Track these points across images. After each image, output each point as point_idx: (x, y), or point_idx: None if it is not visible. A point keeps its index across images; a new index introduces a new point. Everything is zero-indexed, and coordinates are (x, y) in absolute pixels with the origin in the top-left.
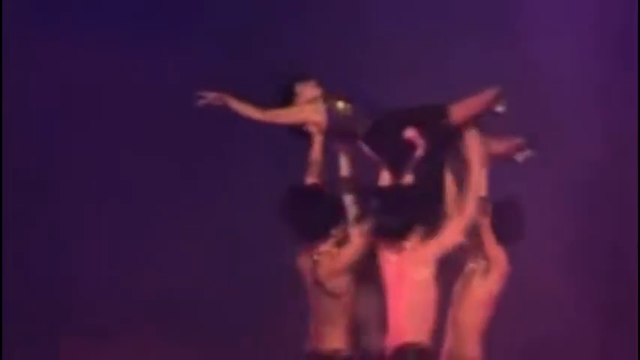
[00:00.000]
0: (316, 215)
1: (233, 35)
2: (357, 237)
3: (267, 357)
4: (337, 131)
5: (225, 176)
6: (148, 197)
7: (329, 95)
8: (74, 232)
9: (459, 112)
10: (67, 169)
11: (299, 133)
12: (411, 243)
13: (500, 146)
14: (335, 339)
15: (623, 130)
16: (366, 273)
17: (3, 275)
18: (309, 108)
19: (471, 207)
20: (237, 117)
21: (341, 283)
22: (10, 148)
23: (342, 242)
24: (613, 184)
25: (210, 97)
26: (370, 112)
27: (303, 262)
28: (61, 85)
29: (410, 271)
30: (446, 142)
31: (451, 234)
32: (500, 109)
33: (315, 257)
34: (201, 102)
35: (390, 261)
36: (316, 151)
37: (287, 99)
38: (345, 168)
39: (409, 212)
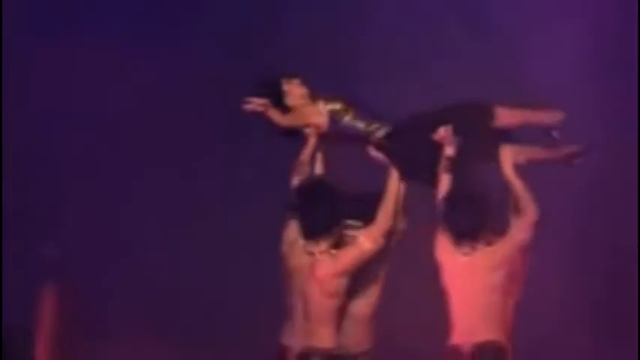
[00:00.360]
0: (318, 211)
1: (233, 35)
2: (365, 240)
3: (266, 356)
4: (338, 134)
5: (225, 176)
6: (148, 197)
7: (330, 97)
8: (74, 231)
9: (505, 117)
10: (67, 168)
11: (292, 133)
12: (480, 244)
13: (550, 154)
14: (325, 338)
15: (624, 129)
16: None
17: (3, 275)
18: (312, 110)
19: (531, 207)
20: (236, 116)
21: (340, 284)
22: (10, 148)
23: (340, 243)
24: (613, 184)
25: (257, 102)
26: (372, 115)
27: (298, 258)
28: (61, 85)
29: (485, 274)
30: (482, 144)
31: (519, 234)
32: (555, 134)
33: (318, 256)
34: (248, 107)
35: (459, 263)
36: (308, 152)
37: (277, 97)
38: (319, 167)
39: (482, 213)
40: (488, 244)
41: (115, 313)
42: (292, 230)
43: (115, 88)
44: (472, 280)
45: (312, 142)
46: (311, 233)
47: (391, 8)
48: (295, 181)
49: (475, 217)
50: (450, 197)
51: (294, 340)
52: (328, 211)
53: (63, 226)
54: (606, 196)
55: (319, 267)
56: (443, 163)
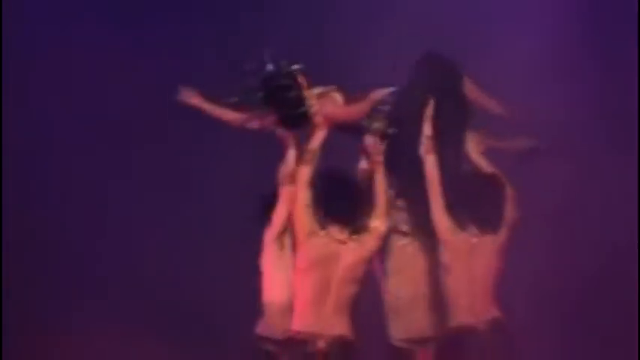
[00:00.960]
0: (344, 199)
1: (233, 35)
2: (381, 224)
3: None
4: (344, 124)
5: (225, 175)
6: (148, 196)
7: (336, 88)
8: (73, 231)
9: (471, 89)
10: (67, 168)
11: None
12: (489, 229)
13: (509, 145)
14: (343, 325)
15: (623, 127)
16: None
17: (3, 275)
18: (330, 100)
19: (507, 182)
20: None
21: (364, 270)
22: (10, 148)
23: (360, 229)
24: (613, 184)
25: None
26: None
27: (320, 248)
28: (61, 85)
29: (491, 256)
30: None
31: (511, 212)
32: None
33: (349, 243)
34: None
35: (468, 244)
36: (317, 141)
37: (295, 89)
38: (291, 161)
39: (496, 198)
40: (494, 230)
41: (113, 312)
42: (307, 221)
43: (115, 88)
44: (480, 261)
45: (323, 131)
46: (337, 221)
47: (393, 12)
48: (305, 170)
49: (489, 202)
50: (464, 180)
51: (308, 328)
52: (353, 198)
53: (62, 226)
54: (606, 196)
55: (348, 254)
56: (425, 144)
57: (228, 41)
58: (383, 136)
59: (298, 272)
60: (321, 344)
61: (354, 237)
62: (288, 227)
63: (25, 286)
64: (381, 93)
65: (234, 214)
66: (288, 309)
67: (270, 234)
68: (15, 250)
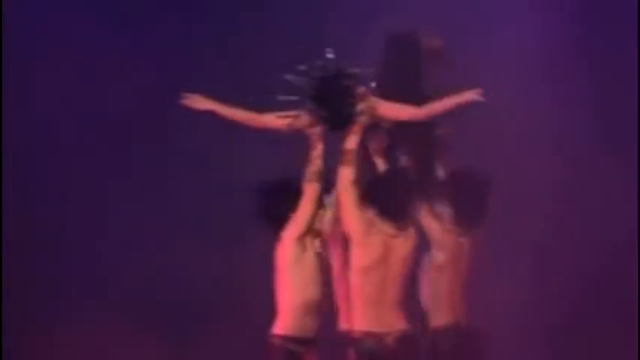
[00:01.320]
0: (401, 196)
1: (233, 35)
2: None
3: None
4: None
5: (225, 174)
6: (148, 196)
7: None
8: (73, 230)
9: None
10: (67, 168)
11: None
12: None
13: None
14: (403, 320)
15: (622, 128)
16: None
17: (3, 275)
18: (374, 99)
19: None
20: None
21: (413, 263)
22: (10, 148)
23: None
24: (613, 184)
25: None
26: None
27: (378, 246)
28: (61, 85)
29: (471, 256)
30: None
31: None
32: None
33: (398, 238)
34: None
35: (457, 244)
36: (355, 141)
37: (353, 91)
38: (318, 160)
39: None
40: (476, 229)
41: (113, 311)
42: (360, 221)
43: (115, 88)
44: (465, 261)
45: (360, 131)
46: (386, 216)
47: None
48: (348, 171)
49: (474, 200)
50: (457, 179)
51: (374, 327)
52: (408, 194)
53: (62, 226)
54: (606, 196)
55: (400, 247)
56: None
57: (228, 41)
58: (388, 131)
59: (358, 273)
60: (388, 340)
61: (402, 231)
62: (312, 228)
63: (25, 286)
64: (470, 95)
65: (234, 214)
66: (310, 309)
67: (291, 233)
68: (15, 250)
